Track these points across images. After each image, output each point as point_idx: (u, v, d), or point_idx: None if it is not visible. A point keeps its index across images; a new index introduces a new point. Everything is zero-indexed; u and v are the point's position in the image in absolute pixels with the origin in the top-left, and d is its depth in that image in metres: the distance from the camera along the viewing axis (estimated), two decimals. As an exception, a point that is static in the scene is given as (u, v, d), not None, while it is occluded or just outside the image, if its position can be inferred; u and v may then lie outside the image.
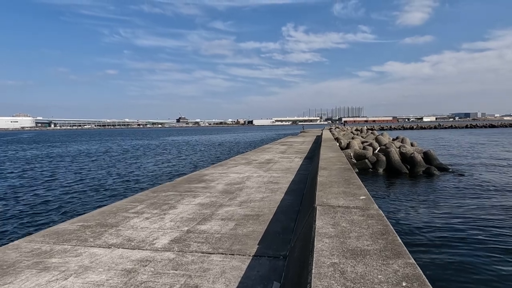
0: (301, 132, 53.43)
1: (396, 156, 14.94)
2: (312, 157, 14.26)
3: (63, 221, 5.48)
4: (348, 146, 16.86)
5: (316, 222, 2.96)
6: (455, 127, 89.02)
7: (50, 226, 5.32)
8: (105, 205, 7.92)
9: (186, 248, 3.97)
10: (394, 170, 14.83)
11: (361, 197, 3.88)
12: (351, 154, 15.30)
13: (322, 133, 28.55)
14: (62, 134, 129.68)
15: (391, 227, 2.82)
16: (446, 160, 18.63)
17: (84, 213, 6.00)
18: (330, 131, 32.02)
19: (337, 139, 17.44)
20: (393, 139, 22.01)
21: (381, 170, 14.93)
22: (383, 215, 3.15)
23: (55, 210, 11.10)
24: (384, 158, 15.07)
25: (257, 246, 4.01)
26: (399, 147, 16.29)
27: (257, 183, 8.29)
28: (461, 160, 19.65)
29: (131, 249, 4.01)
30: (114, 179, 16.97)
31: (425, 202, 10.39)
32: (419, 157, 14.68)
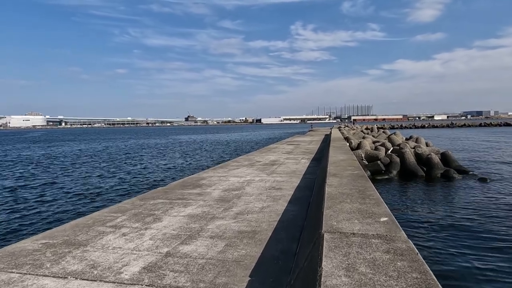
0: (309, 131, 52.36)
1: (411, 157, 13.88)
2: (320, 158, 13.36)
3: (27, 237, 4.73)
4: (359, 146, 15.83)
5: (323, 263, 2.10)
6: (469, 126, 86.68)
7: (14, 243, 4.56)
8: (89, 213, 7.18)
9: (159, 281, 3.16)
10: (409, 173, 13.75)
11: (382, 219, 3.00)
12: (362, 155, 14.31)
13: (331, 132, 27.52)
14: (71, 133, 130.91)
15: (432, 274, 1.95)
16: (465, 161, 17.28)
17: (57, 226, 5.25)
18: (339, 130, 30.92)
19: (347, 139, 16.42)
20: (407, 139, 20.79)
21: (395, 173, 13.86)
22: (417, 251, 2.28)
23: (32, 221, 9.95)
24: (398, 159, 14.01)
25: (248, 279, 3.17)
26: (414, 148, 15.18)
27: (258, 189, 7.45)
28: (481, 162, 18.29)
29: (92, 280, 3.21)
30: (111, 181, 16.25)
31: (455, 217, 8.72)
32: (436, 158, 13.59)
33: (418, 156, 14.21)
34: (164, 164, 22.98)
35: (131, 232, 4.61)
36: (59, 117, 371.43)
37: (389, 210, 3.34)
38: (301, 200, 6.32)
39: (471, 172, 14.09)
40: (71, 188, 14.60)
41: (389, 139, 18.04)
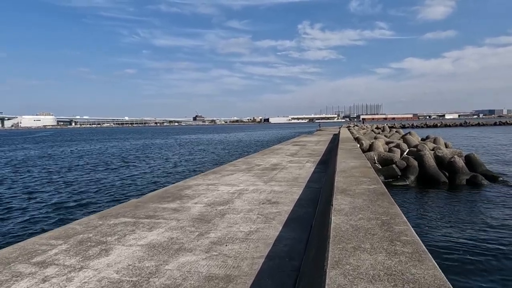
0: (317, 131, 50.74)
1: (431, 160, 12.23)
2: (327, 161, 11.92)
3: None
4: (370, 148, 14.24)
5: None
6: (483, 125, 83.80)
7: None
8: (37, 233, 5.87)
9: None
10: (429, 178, 12.08)
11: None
12: (375, 158, 12.77)
13: (339, 132, 25.97)
14: (78, 133, 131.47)
15: None
16: (491, 165, 15.45)
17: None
18: (349, 130, 29.28)
19: (357, 140, 14.87)
20: (423, 139, 19.05)
21: (412, 178, 12.22)
22: None
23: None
24: (415, 163, 12.39)
25: None
26: (433, 149, 13.57)
27: (249, 203, 6.08)
28: (509, 165, 16.46)
29: None
30: (96, 188, 14.59)
31: (495, 239, 6.86)
32: (461, 162, 11.92)
33: (438, 159, 12.55)
34: (162, 167, 21.73)
35: (57, 275, 3.28)
36: (69, 117, 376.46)
37: (440, 272, 1.93)
38: (300, 220, 4.92)
39: (500, 178, 12.38)
40: (48, 196, 13.16)
41: (405, 139, 16.30)
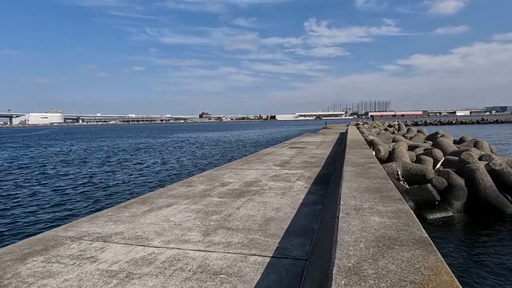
0: (323, 128, 46.76)
1: (487, 178, 8.04)
2: (329, 177, 8.05)
3: None
4: (391, 156, 10.05)
5: None
6: (502, 122, 78.18)
7: None
8: None
9: None
10: (484, 206, 7.98)
11: None
12: (399, 172, 8.72)
13: (347, 131, 21.90)
14: (80, 131, 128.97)
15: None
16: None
17: None
18: (358, 128, 25.08)
19: (371, 144, 10.71)
20: (455, 142, 14.57)
21: (458, 206, 8.03)
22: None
23: None
24: (461, 181, 8.32)
25: None
26: (480, 158, 9.42)
27: None
28: None
29: None
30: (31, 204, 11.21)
31: None
32: (538, 183, 7.75)
33: (494, 175, 8.38)
34: (123, 180, 17.77)
35: None
36: (77, 114, 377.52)
37: None
38: None
39: None
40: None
41: (437, 144, 11.74)
